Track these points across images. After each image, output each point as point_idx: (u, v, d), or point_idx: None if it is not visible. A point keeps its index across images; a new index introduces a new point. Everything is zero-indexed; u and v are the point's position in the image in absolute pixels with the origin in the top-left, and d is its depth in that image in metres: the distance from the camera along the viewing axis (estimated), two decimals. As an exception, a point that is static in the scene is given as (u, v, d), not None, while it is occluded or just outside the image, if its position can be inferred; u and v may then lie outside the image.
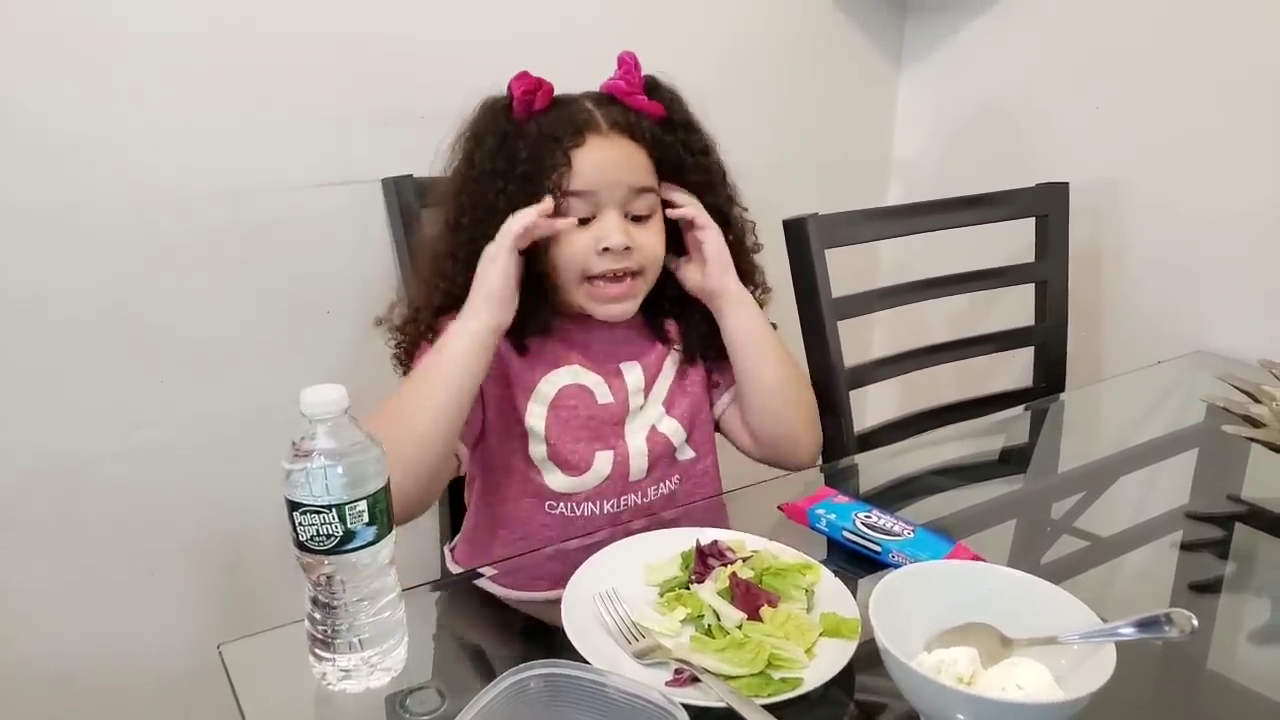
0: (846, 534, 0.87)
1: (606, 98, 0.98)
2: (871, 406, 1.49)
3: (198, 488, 1.24)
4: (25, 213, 1.06)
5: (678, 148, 0.99)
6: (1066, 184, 1.38)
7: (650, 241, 0.98)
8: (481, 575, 0.86)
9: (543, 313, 0.98)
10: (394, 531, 0.70)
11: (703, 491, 1.07)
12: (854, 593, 0.78)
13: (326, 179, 1.24)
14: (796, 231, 1.21)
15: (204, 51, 1.12)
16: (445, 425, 0.91)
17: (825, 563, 0.81)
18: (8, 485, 1.12)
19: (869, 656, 0.68)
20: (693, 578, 0.79)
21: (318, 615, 0.69)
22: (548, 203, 0.93)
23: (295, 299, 1.24)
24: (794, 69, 1.62)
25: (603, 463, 1.00)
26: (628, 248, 0.95)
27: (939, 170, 1.72)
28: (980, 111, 1.65)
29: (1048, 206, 1.38)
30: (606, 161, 0.95)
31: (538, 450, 0.99)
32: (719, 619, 0.74)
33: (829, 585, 0.79)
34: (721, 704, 0.64)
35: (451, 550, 1.11)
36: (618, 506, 1.01)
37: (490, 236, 0.93)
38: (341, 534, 0.66)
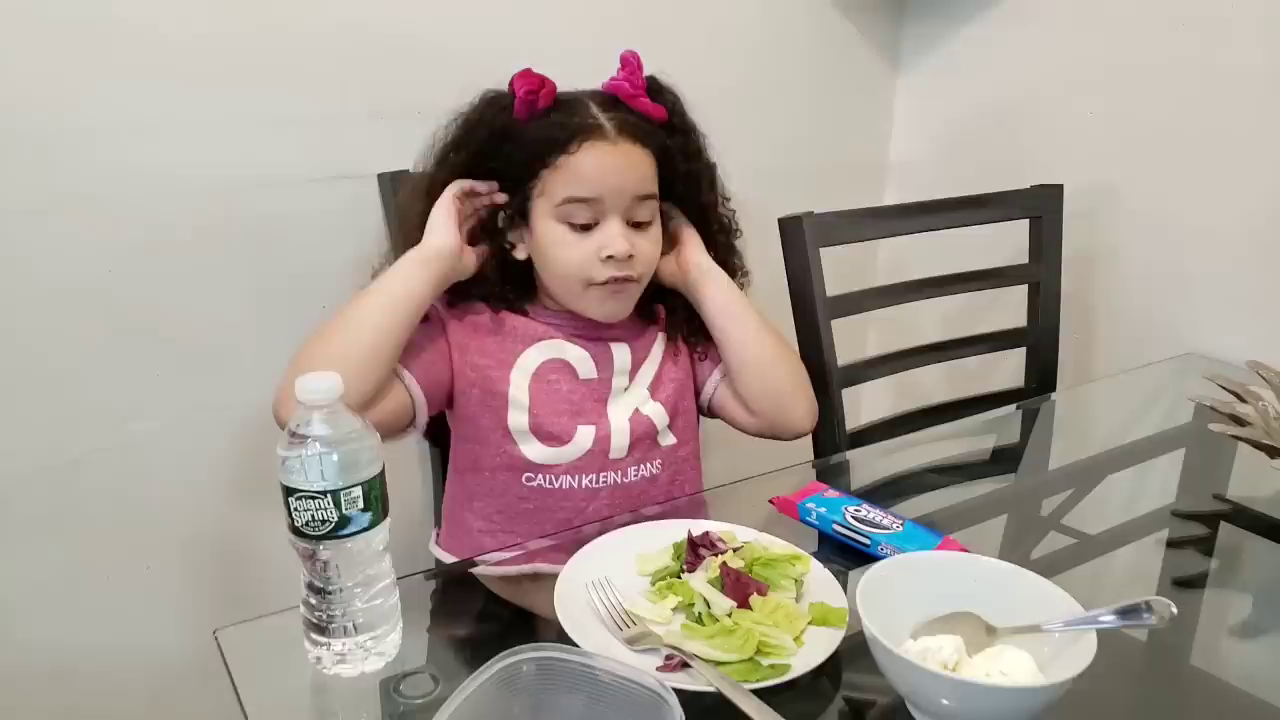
0: (836, 527, 0.88)
1: (611, 99, 0.97)
2: (865, 405, 1.50)
3: (193, 481, 1.24)
4: (18, 208, 1.07)
5: (677, 152, 1.00)
6: (1061, 186, 1.39)
7: (650, 249, 0.99)
8: (476, 564, 0.87)
9: (525, 298, 1.02)
10: (388, 518, 0.71)
11: (683, 478, 1.06)
12: (844, 585, 0.79)
13: (322, 174, 1.24)
14: (792, 230, 1.22)
15: (199, 47, 1.12)
16: (377, 337, 0.92)
17: (815, 555, 0.82)
18: (3, 479, 1.12)
19: (857, 647, 0.69)
20: (684, 567, 0.80)
21: (313, 600, 0.70)
22: (496, 189, 0.98)
23: (290, 293, 1.24)
24: (791, 71, 1.63)
25: (584, 436, 0.99)
26: (630, 255, 0.95)
27: (935, 172, 1.73)
28: (976, 114, 1.66)
29: (1042, 208, 1.39)
30: (613, 169, 0.94)
31: (519, 420, 0.98)
32: (709, 607, 0.75)
33: (818, 575, 0.80)
34: (711, 689, 0.65)
35: (436, 534, 1.11)
36: (596, 483, 1.00)
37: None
38: (336, 519, 0.67)
